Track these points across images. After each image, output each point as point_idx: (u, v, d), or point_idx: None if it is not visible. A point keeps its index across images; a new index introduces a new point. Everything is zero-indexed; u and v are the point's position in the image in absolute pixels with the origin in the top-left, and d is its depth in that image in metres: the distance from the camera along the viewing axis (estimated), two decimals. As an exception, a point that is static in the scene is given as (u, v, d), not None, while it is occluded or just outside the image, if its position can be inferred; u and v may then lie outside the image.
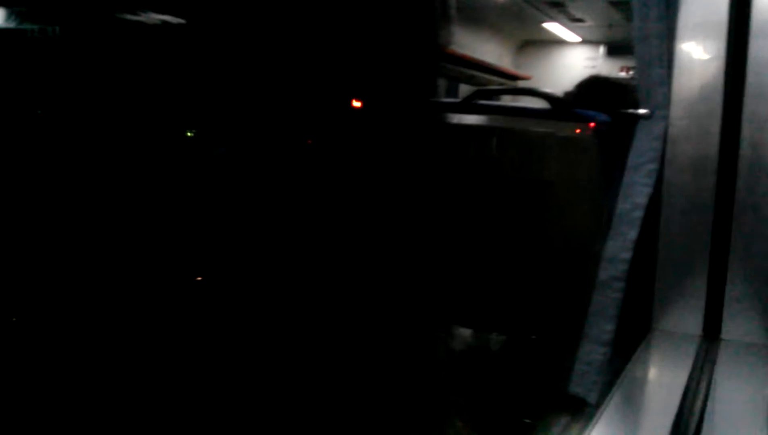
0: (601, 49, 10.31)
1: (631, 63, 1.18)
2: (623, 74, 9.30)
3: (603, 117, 1.55)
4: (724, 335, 1.16)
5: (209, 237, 0.66)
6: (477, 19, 7.98)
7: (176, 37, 0.66)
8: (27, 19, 0.63)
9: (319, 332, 0.68)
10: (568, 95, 1.90)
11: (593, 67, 10.21)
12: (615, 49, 9.95)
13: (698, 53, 1.17)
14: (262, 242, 0.67)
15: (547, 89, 1.77)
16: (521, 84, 8.61)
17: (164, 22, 0.66)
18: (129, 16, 0.70)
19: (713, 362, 1.08)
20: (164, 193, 0.67)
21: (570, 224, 1.45)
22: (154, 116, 0.68)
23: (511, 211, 1.49)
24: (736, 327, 1.15)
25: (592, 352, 1.17)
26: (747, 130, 1.13)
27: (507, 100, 2.74)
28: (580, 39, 10.19)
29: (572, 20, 8.87)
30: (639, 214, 1.15)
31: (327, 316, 0.66)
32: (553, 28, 9.39)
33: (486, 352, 1.70)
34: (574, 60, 10.42)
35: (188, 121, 0.67)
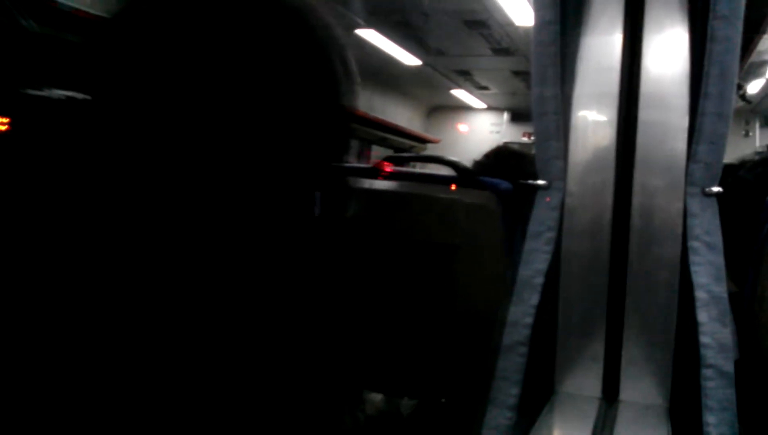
0: (505, 115, 10.81)
1: (531, 129, 1.25)
2: (525, 139, 9.77)
3: (505, 185, 1.62)
4: (622, 397, 1.20)
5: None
6: (389, 84, 8.22)
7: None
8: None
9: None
10: (475, 164, 1.98)
11: (498, 131, 10.68)
12: (518, 115, 10.46)
13: (592, 127, 1.25)
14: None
15: (453, 157, 1.83)
16: (430, 147, 8.87)
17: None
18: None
19: (613, 422, 1.12)
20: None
21: (475, 288, 1.49)
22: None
23: (419, 275, 1.52)
24: (633, 389, 1.20)
25: (498, 416, 1.19)
26: (637, 200, 1.20)
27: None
28: (485, 105, 10.66)
29: (478, 88, 9.29)
30: (540, 280, 1.19)
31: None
32: (461, 94, 9.79)
33: (397, 416, 1.69)
34: (480, 124, 10.86)
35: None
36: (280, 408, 0.72)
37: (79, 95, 0.63)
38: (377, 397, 1.62)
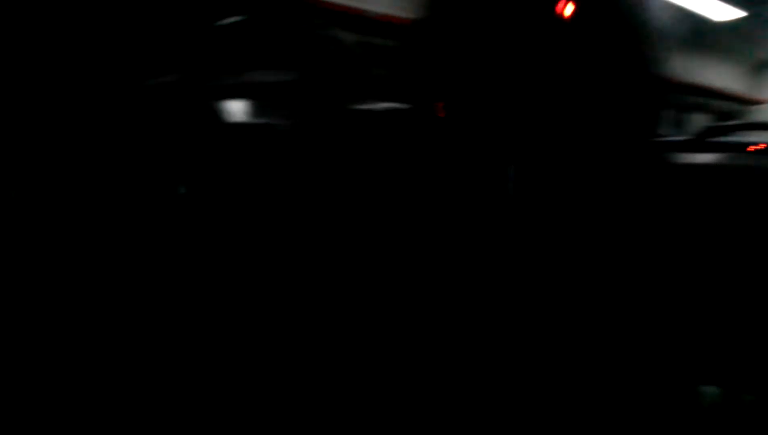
0: None
1: None
2: None
3: None
4: None
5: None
6: (706, 43, 7.47)
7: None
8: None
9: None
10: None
11: None
12: None
13: None
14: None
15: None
16: (763, 108, 7.84)
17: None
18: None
19: None
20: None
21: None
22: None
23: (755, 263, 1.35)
24: None
25: None
26: None
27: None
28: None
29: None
30: None
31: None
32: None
33: (736, 411, 1.55)
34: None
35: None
36: (607, 393, 0.71)
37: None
38: (713, 390, 1.50)
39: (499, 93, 0.60)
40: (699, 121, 6.53)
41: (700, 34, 6.94)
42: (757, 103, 7.82)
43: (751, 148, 1.54)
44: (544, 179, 0.62)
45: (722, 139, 1.65)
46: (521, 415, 0.67)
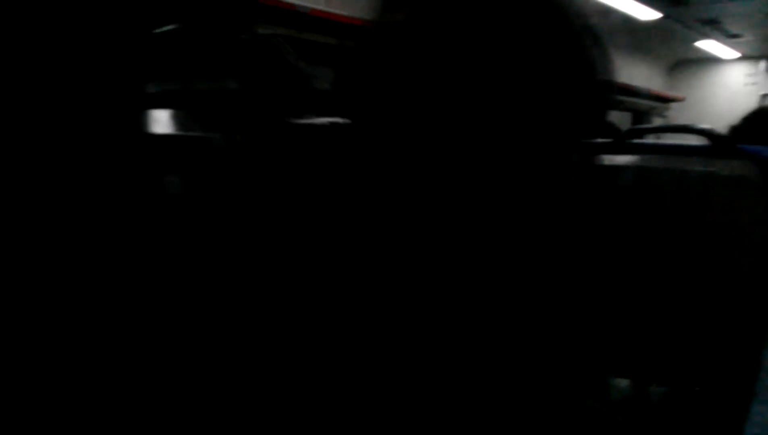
0: (763, 63, 9.66)
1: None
2: (789, 90, 8.64)
3: (773, 153, 1.45)
4: None
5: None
6: (623, 42, 7.73)
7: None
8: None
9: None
10: (732, 130, 1.80)
11: (754, 83, 9.57)
12: (778, 64, 9.27)
13: None
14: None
15: (704, 124, 1.68)
16: (675, 105, 8.20)
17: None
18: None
19: None
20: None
21: (735, 275, 1.37)
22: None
23: (667, 257, 1.43)
24: None
25: (765, 413, 1.09)
26: None
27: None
28: (738, 54, 9.61)
29: (729, 36, 8.38)
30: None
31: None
32: (708, 45, 8.92)
33: (645, 403, 1.62)
34: (732, 76, 9.85)
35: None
36: (519, 391, 0.73)
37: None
38: (624, 383, 1.56)
39: (431, 104, 0.61)
40: (619, 118, 6.77)
41: (619, 33, 7.19)
42: (674, 100, 8.17)
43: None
44: (467, 185, 0.63)
45: (643, 141, 1.73)
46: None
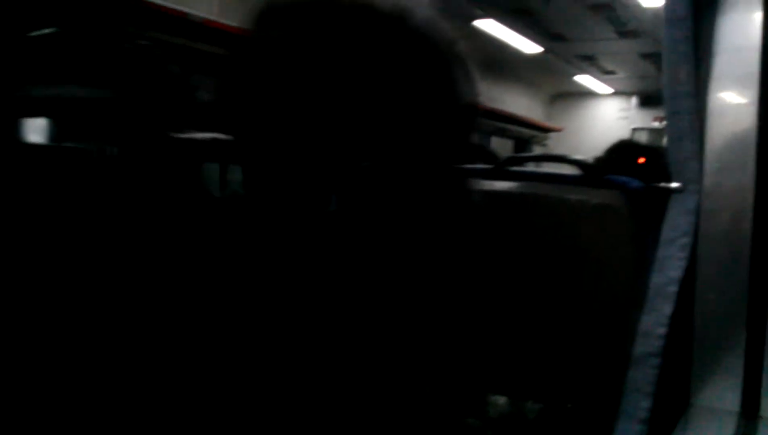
0: (634, 99, 10.34)
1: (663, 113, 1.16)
2: (656, 124, 9.29)
3: (636, 184, 1.55)
4: (763, 413, 1.13)
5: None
6: (508, 73, 8.07)
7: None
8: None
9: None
10: (596, 161, 1.91)
11: (626, 117, 10.23)
12: (648, 99, 9.95)
13: (730, 125, 1.18)
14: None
15: (578, 155, 1.78)
16: (553, 135, 8.63)
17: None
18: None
19: (753, 439, 1.05)
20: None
21: (603, 295, 1.45)
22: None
23: (542, 279, 1.49)
24: (776, 404, 1.12)
25: (628, 429, 1.15)
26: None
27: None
28: (612, 90, 10.24)
29: (604, 72, 8.93)
30: (674, 288, 1.14)
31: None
32: (585, 80, 9.46)
33: (522, 420, 1.67)
34: (607, 110, 10.47)
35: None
36: (402, 406, 0.73)
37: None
38: (501, 400, 1.61)
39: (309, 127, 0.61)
40: (500, 144, 7.04)
41: (502, 64, 7.51)
42: (553, 130, 8.60)
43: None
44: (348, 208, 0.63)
45: (522, 168, 1.80)
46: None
